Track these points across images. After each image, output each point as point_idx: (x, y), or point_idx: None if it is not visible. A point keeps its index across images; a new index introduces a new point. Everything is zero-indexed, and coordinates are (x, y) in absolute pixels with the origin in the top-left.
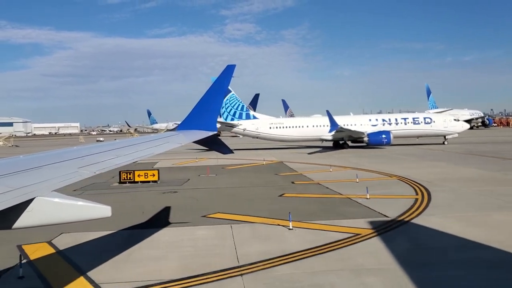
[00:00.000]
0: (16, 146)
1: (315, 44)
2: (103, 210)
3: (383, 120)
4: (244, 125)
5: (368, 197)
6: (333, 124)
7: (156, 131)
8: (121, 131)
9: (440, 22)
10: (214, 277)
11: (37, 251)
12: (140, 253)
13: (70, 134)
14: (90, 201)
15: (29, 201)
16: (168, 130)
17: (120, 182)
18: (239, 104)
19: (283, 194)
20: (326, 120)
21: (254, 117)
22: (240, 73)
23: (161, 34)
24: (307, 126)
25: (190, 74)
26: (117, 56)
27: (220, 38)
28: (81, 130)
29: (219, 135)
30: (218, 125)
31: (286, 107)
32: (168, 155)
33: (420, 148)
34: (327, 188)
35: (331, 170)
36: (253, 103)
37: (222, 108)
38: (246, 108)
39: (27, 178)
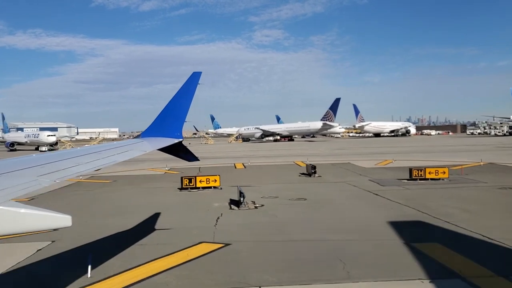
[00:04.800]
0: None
1: (344, 50)
2: (63, 220)
3: None
4: None
5: None
6: None
7: (230, 135)
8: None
9: (474, 27)
10: None
11: None
12: None
13: (114, 138)
14: (51, 210)
15: None
16: (240, 134)
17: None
18: None
19: None
20: None
21: None
22: (268, 79)
23: (191, 41)
24: None
25: (218, 81)
26: (147, 63)
27: (248, 45)
28: (120, 135)
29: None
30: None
31: (357, 112)
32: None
33: None
34: None
35: None
36: (333, 108)
37: None
38: None
39: None
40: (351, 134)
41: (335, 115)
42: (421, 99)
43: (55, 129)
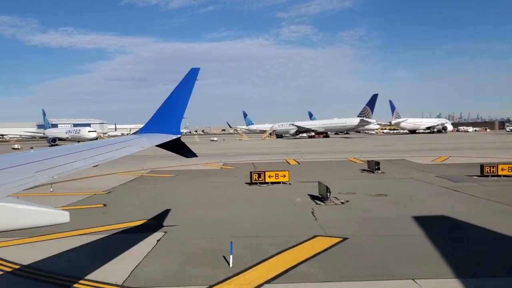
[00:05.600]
0: None
1: (372, 45)
2: (61, 216)
3: None
4: None
5: None
6: None
7: (263, 132)
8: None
9: (505, 22)
10: None
11: None
12: None
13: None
14: (48, 206)
15: None
16: (274, 130)
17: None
18: None
19: None
20: None
21: None
22: (295, 75)
23: (219, 38)
24: None
25: (245, 77)
26: (175, 61)
27: (276, 41)
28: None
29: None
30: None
31: (393, 108)
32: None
33: None
34: None
35: None
36: (371, 104)
37: None
38: None
39: None
40: (385, 131)
41: (372, 112)
42: (451, 95)
43: (88, 125)
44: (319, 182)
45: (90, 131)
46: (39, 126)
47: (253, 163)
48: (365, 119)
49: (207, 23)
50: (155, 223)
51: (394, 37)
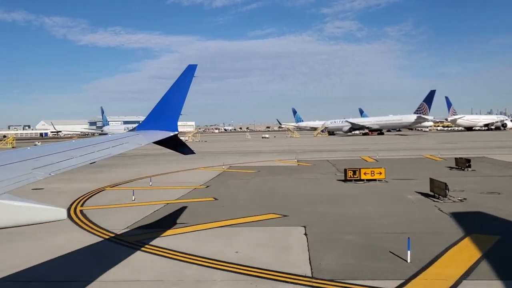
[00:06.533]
0: (205, 141)
1: (419, 40)
2: (58, 213)
3: None
4: None
5: None
6: None
7: (313, 129)
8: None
9: None
10: None
11: None
12: None
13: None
14: (45, 204)
15: None
16: (326, 127)
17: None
18: None
19: None
20: None
21: None
22: (339, 72)
23: (262, 35)
24: None
25: (288, 74)
26: (219, 58)
27: (320, 37)
28: (195, 129)
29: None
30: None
31: (449, 105)
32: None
33: None
34: None
35: None
36: (428, 100)
37: None
38: None
39: None
40: (438, 128)
41: (429, 108)
42: (503, 91)
43: (137, 122)
44: (431, 179)
45: None
46: (91, 123)
47: (327, 160)
48: (422, 115)
49: (250, 21)
50: (285, 217)
51: (442, 32)
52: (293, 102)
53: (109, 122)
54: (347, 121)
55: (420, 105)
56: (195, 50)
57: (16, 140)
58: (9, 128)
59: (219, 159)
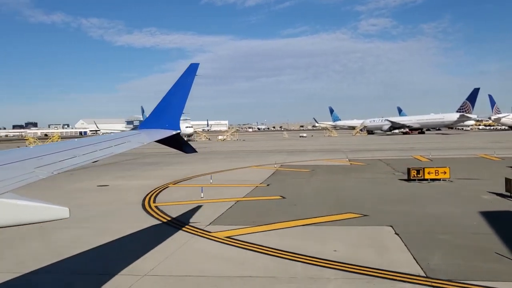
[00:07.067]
0: (243, 140)
1: (456, 37)
2: (61, 212)
3: None
4: None
5: None
6: None
7: (351, 128)
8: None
9: None
10: None
11: None
12: None
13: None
14: (48, 202)
15: None
16: (365, 126)
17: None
18: None
19: None
20: None
21: None
22: (374, 70)
23: (294, 33)
24: None
25: (321, 73)
26: (251, 58)
27: (354, 35)
28: (232, 127)
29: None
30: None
31: (492, 103)
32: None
33: None
34: None
35: None
36: (471, 99)
37: None
38: None
39: None
40: (480, 127)
41: (473, 107)
42: None
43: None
44: (507, 179)
45: (187, 127)
46: (128, 122)
47: (379, 159)
48: (465, 114)
49: (283, 19)
50: (366, 217)
51: (481, 29)
52: (326, 100)
53: None
54: (387, 120)
55: (463, 103)
56: (228, 49)
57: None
58: (49, 127)
59: (266, 158)
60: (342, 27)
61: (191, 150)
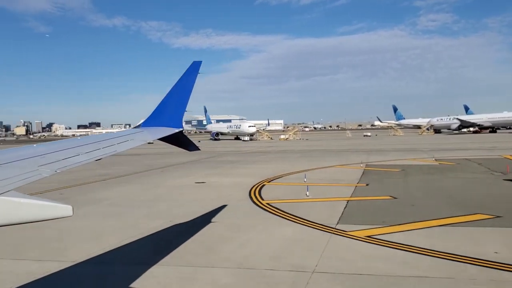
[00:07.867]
0: (306, 139)
1: None
2: (64, 210)
3: None
4: None
5: None
6: None
7: (416, 126)
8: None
9: None
10: None
11: None
12: None
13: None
14: (51, 200)
15: None
16: (432, 125)
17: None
18: None
19: None
20: None
21: None
22: (434, 67)
23: (350, 31)
24: None
25: (378, 70)
26: (306, 56)
27: (412, 31)
28: (287, 127)
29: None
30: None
31: None
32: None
33: None
34: None
35: None
36: None
37: None
38: None
39: None
40: None
41: None
42: None
43: (229, 120)
44: None
45: (250, 126)
46: (186, 122)
47: (466, 158)
48: None
49: (338, 17)
50: (499, 218)
51: None
52: (384, 99)
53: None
54: (456, 118)
55: None
56: (282, 48)
57: None
58: (111, 126)
59: (346, 158)
60: (400, 23)
61: (194, 148)
